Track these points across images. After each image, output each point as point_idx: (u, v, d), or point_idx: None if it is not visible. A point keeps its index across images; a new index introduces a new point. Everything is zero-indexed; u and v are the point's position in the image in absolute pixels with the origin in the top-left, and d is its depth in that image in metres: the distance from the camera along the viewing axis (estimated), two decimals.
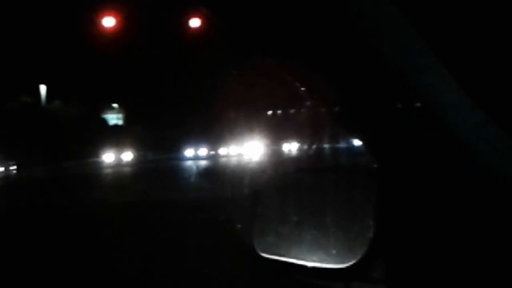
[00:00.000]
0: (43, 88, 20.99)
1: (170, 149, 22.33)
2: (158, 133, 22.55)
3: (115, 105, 25.27)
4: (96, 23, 15.25)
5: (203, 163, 20.55)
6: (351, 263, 1.19)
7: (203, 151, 22.86)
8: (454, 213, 1.12)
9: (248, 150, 21.06)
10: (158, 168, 18.22)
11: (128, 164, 20.26)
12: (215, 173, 16.99)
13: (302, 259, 1.26)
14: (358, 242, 1.20)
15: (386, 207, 1.20)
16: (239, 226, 4.71)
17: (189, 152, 22.77)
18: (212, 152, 22.81)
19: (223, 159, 21.46)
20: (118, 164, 19.99)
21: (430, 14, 1.07)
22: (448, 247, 1.12)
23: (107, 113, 25.37)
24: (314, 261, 1.25)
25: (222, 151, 22.93)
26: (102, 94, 22.12)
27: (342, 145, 14.95)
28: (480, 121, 1.04)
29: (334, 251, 1.24)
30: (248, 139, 20.79)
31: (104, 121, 24.76)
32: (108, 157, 21.05)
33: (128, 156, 21.36)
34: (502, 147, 1.04)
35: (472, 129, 1.05)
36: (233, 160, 20.27)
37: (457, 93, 1.05)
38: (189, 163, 21.12)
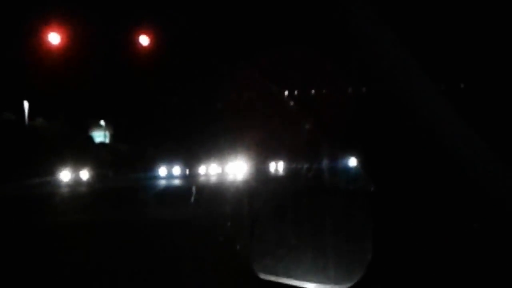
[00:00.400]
0: (26, 105, 20.92)
1: (144, 168, 21.80)
2: (140, 151, 22.29)
3: (102, 122, 25.19)
4: (45, 39, 15.18)
5: (173, 182, 20.05)
6: (349, 284, 1.20)
7: (177, 169, 22.17)
8: (451, 235, 1.13)
9: (231, 169, 20.57)
10: (113, 188, 17.55)
11: (83, 184, 19.55)
12: (176, 192, 16.48)
13: (301, 280, 1.27)
14: (356, 264, 1.20)
15: (383, 230, 1.21)
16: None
17: (162, 171, 22.10)
18: (188, 171, 22.18)
19: (200, 178, 20.94)
20: (74, 183, 19.39)
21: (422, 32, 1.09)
22: (445, 268, 1.13)
23: (94, 131, 25.33)
24: (312, 282, 1.25)
25: (201, 170, 22.32)
26: (88, 111, 21.99)
27: (337, 165, 14.84)
28: (479, 146, 1.06)
29: (332, 273, 1.25)
30: (230, 157, 20.39)
31: (90, 139, 24.66)
32: (64, 175, 20.35)
33: (85, 174, 20.58)
34: (500, 172, 1.06)
35: (471, 154, 1.07)
36: (208, 180, 19.81)
37: (452, 114, 1.06)
38: (155, 182, 20.56)
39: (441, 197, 1.12)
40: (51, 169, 19.86)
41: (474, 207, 1.06)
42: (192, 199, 12.95)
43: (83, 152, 21.08)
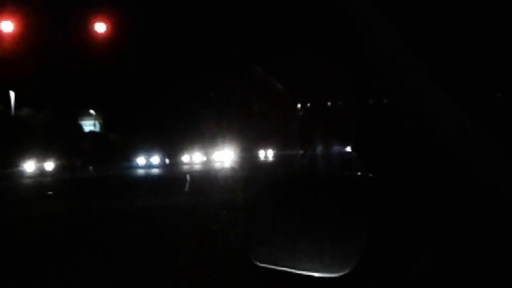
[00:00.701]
0: (12, 95, 20.73)
1: (125, 157, 21.32)
2: (128, 140, 21.95)
3: (92, 111, 24.99)
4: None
5: (149, 172, 19.71)
6: (345, 271, 1.19)
7: (156, 159, 21.74)
8: (450, 222, 1.12)
9: (218, 157, 20.25)
10: (76, 179, 17.17)
11: (44, 175, 19.10)
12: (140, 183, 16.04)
13: (296, 268, 1.26)
14: (352, 251, 1.20)
15: (380, 216, 1.21)
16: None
17: (140, 160, 21.63)
18: (168, 160, 21.74)
19: (182, 167, 20.55)
20: (35, 174, 18.90)
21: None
22: (444, 255, 1.13)
23: (84, 120, 25.13)
24: (308, 269, 1.25)
25: (185, 158, 21.91)
26: (77, 100, 21.76)
27: (331, 151, 14.82)
28: (474, 130, 1.05)
29: (328, 260, 1.24)
30: (217, 145, 20.11)
31: (79, 128, 24.43)
32: (29, 166, 19.77)
33: (51, 165, 19.98)
34: (493, 154, 1.05)
35: (465, 137, 1.06)
36: (188, 169, 19.46)
37: (449, 101, 1.05)
38: (132, 171, 20.08)
39: (443, 189, 1.11)
40: (23, 160, 19.50)
41: (480, 204, 1.05)
42: (187, 187, 12.83)
43: (68, 141, 20.80)
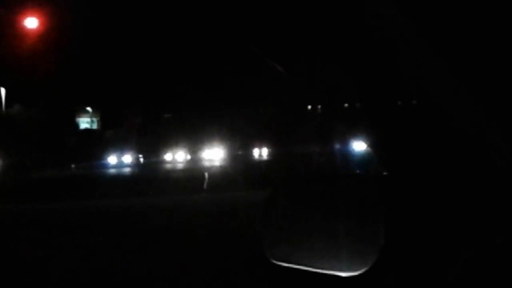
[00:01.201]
0: (2, 91, 20.67)
1: (99, 155, 20.74)
2: (125, 137, 21.59)
3: (89, 108, 24.87)
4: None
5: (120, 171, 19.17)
6: (362, 270, 1.19)
7: (127, 157, 21.14)
8: (465, 219, 1.12)
9: (207, 156, 19.79)
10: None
11: None
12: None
13: (313, 266, 1.26)
14: (369, 250, 1.20)
15: (396, 215, 1.20)
16: None
17: (112, 159, 21.00)
18: (142, 159, 21.18)
19: (158, 166, 19.97)
20: None
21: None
22: (459, 253, 1.12)
23: (81, 117, 24.99)
24: (324, 268, 1.25)
25: (168, 157, 21.36)
26: (73, 98, 21.61)
27: (348, 149, 14.70)
28: (492, 126, 1.04)
29: (344, 259, 1.24)
30: (205, 143, 19.74)
31: (74, 125, 24.26)
32: None
33: None
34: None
35: (483, 134, 1.05)
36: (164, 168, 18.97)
37: (467, 97, 1.05)
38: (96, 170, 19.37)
39: (456, 181, 1.11)
40: None
41: (496, 197, 1.05)
42: (205, 185, 12.77)
43: (55, 139, 20.50)
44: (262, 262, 1.36)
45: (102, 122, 24.13)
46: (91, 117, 24.55)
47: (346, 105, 1.24)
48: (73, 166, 19.44)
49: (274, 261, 1.36)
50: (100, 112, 24.19)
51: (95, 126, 24.42)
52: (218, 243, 6.06)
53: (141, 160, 21.05)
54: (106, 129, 23.30)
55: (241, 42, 1.19)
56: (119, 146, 20.81)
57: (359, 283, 1.25)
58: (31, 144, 18.78)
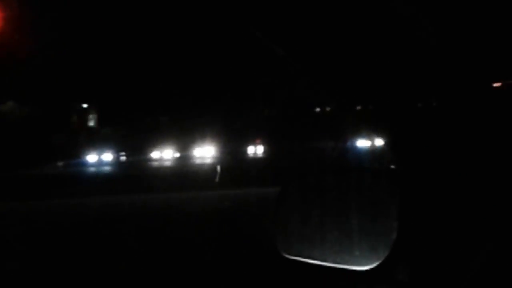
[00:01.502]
0: None
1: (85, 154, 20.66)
2: (123, 134, 21.52)
3: (85, 105, 24.79)
4: None
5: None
6: (374, 265, 1.19)
7: (107, 155, 20.95)
8: (477, 214, 1.11)
9: (196, 153, 19.69)
10: None
11: None
12: None
13: (325, 260, 1.26)
14: (381, 244, 1.19)
15: (409, 209, 1.19)
16: None
17: (91, 157, 20.82)
18: (120, 157, 21.01)
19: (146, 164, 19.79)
20: None
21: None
22: (471, 247, 1.11)
23: (77, 114, 24.96)
24: (337, 262, 1.24)
25: (155, 154, 21.22)
26: (71, 95, 21.51)
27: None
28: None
29: (357, 253, 1.23)
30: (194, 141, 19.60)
31: (68, 123, 24.19)
32: None
33: None
34: None
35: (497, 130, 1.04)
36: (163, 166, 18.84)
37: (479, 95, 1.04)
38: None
39: (468, 176, 1.10)
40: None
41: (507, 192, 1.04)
42: (217, 178, 12.76)
43: (45, 137, 20.41)
44: (274, 256, 1.36)
45: (99, 120, 24.20)
46: (88, 114, 24.61)
47: (358, 107, 1.24)
48: (60, 164, 19.40)
49: (286, 256, 1.35)
50: (98, 109, 24.24)
51: (92, 124, 24.47)
52: (229, 238, 6.06)
53: (122, 158, 21.05)
54: (103, 127, 23.38)
55: (252, 36, 1.19)
56: (115, 144, 20.86)
57: (372, 277, 1.25)
58: (17, 142, 18.77)
